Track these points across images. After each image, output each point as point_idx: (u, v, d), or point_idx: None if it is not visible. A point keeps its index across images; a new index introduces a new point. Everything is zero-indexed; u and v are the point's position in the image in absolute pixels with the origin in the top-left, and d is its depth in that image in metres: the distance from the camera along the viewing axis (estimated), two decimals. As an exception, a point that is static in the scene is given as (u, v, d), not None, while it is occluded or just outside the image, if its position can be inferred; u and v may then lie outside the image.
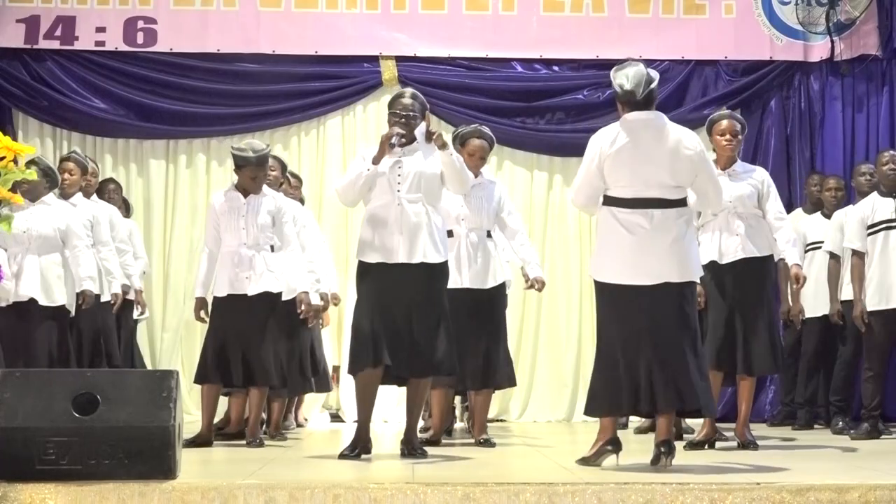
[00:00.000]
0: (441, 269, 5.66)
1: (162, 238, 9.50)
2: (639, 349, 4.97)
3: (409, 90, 5.82)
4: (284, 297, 6.65)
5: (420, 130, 5.68)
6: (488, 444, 6.49)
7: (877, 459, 5.73)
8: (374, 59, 9.59)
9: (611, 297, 5.07)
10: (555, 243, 9.69)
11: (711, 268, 6.23)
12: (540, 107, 9.74)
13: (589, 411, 5.19)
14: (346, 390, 8.85)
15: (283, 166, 7.51)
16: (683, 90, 9.74)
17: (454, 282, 6.26)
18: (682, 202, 5.09)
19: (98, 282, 7.32)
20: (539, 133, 9.66)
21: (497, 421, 9.11)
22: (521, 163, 9.72)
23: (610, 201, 5.07)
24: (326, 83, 9.53)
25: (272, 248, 6.59)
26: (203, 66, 9.55)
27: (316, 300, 7.20)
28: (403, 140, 5.58)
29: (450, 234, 6.34)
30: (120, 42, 9.37)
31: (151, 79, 9.51)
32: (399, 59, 9.59)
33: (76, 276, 6.99)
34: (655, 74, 5.17)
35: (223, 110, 9.54)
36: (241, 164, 6.60)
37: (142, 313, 8.28)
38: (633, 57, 8.94)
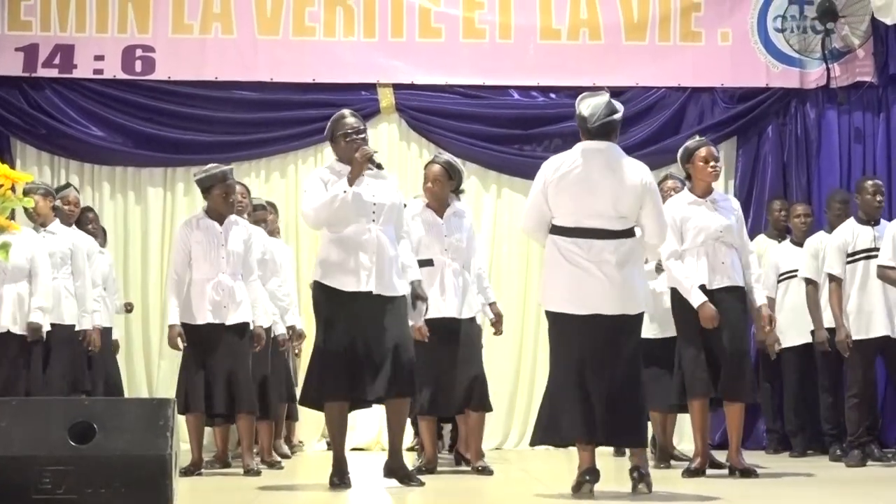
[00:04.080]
0: (405, 299, 5.70)
1: (159, 266, 9.40)
2: (572, 378, 5.00)
3: (346, 110, 5.80)
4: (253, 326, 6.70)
5: None
6: (486, 471, 6.47)
7: (873, 486, 5.76)
8: (371, 87, 9.58)
9: (555, 326, 5.11)
10: (552, 270, 9.65)
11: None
12: (537, 134, 9.71)
13: (531, 440, 5.25)
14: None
15: (248, 193, 7.56)
16: (680, 117, 9.71)
17: (436, 311, 6.30)
18: (623, 234, 5.08)
19: (75, 313, 7.36)
20: (537, 160, 8.90)
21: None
22: (519, 190, 9.60)
23: (553, 230, 5.11)
24: (324, 111, 9.19)
25: (241, 276, 6.65)
26: (201, 93, 9.53)
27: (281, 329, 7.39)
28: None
29: (430, 262, 6.39)
30: (118, 70, 9.37)
31: (149, 107, 9.48)
32: (396, 87, 9.58)
33: (30, 305, 6.91)
34: (619, 107, 5.17)
35: (221, 138, 9.49)
36: (209, 184, 6.63)
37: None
38: (629, 84, 9.43)
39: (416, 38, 9.59)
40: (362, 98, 9.55)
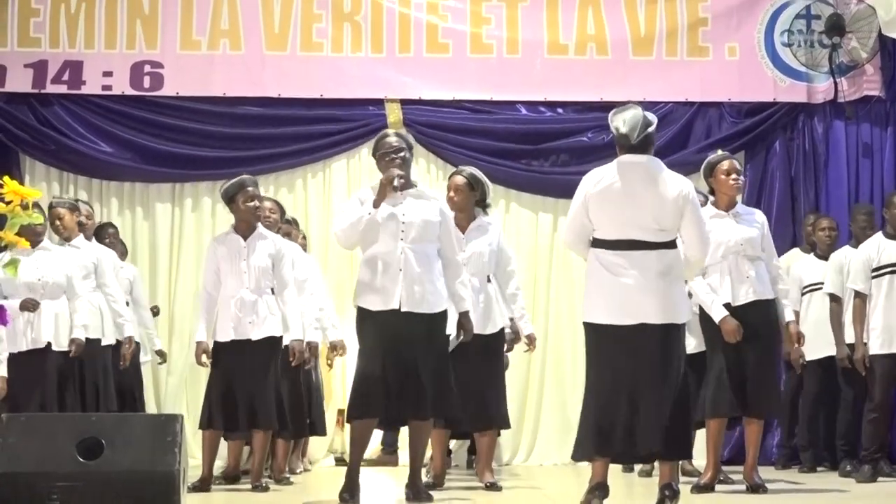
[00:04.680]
0: (442, 316, 5.66)
1: (167, 281, 9.45)
2: (620, 391, 4.96)
3: (390, 130, 5.89)
4: (286, 342, 6.65)
5: None
6: (495, 487, 6.45)
7: (883, 500, 5.78)
8: (379, 102, 9.58)
9: (595, 338, 5.08)
10: (560, 286, 9.62)
11: (726, 310, 6.21)
12: (545, 149, 9.70)
13: (574, 455, 5.16)
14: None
15: (282, 210, 7.59)
16: (687, 132, 9.69)
17: (454, 326, 6.17)
18: (665, 245, 5.06)
19: (100, 327, 7.39)
20: (544, 175, 9.64)
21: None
22: (526, 205, 9.68)
23: (595, 243, 5.10)
24: (332, 126, 9.50)
25: (272, 290, 6.57)
26: (209, 109, 9.54)
27: (317, 342, 7.32)
28: (403, 181, 5.57)
29: None
30: (126, 86, 9.39)
31: (158, 122, 9.50)
32: (404, 102, 9.57)
33: (72, 323, 7.05)
34: (653, 118, 5.17)
35: (229, 153, 9.48)
36: (233, 193, 6.57)
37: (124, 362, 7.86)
38: (637, 99, 8.73)
39: (424, 54, 9.61)
40: (370, 113, 9.56)
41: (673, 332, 5.03)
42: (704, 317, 6.31)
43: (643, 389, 4.94)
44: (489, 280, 6.60)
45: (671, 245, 5.09)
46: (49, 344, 6.96)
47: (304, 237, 8.34)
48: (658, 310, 4.98)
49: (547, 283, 9.61)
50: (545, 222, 9.71)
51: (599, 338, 5.06)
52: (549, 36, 9.67)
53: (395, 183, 5.50)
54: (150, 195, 9.54)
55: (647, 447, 4.98)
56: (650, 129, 5.10)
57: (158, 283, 9.45)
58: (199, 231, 9.48)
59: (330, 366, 8.34)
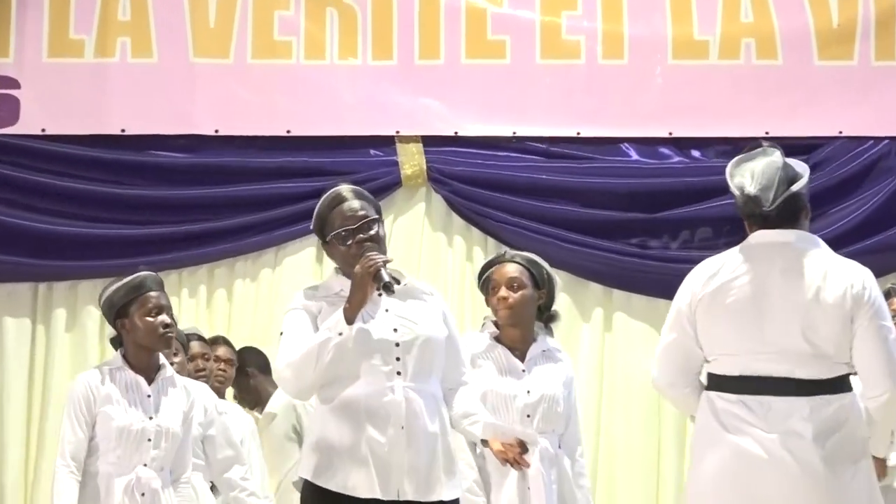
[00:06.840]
0: None
1: (23, 450, 8.14)
2: None
3: (344, 186, 5.01)
4: None
5: None
6: None
7: None
8: (387, 143, 8.38)
9: None
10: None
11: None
12: (671, 219, 8.45)
13: None
14: None
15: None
16: (916, 192, 8.50)
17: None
18: (827, 386, 4.44)
19: None
20: (668, 264, 8.23)
21: None
22: (639, 314, 8.35)
23: (710, 381, 4.65)
24: (305, 183, 8.18)
25: (171, 472, 5.87)
26: (98, 156, 8.26)
27: None
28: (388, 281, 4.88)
29: None
30: (-45, 120, 8.14)
31: (10, 180, 8.25)
32: (429, 142, 8.36)
33: None
34: (802, 169, 4.64)
35: (133, 230, 8.27)
36: (122, 303, 5.75)
37: None
38: (828, 133, 8.59)
39: (462, 60, 8.42)
40: (372, 161, 8.39)
41: None
42: None
43: None
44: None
45: (838, 386, 4.45)
46: None
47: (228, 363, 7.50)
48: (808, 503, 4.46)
49: (678, 436, 8.25)
50: (669, 342, 8.34)
51: None
52: (676, 28, 8.47)
53: (384, 277, 4.70)
54: (-2, 304, 8.27)
55: None
56: (796, 188, 4.57)
57: (7, 458, 8.13)
58: (82, 365, 8.06)
59: None
